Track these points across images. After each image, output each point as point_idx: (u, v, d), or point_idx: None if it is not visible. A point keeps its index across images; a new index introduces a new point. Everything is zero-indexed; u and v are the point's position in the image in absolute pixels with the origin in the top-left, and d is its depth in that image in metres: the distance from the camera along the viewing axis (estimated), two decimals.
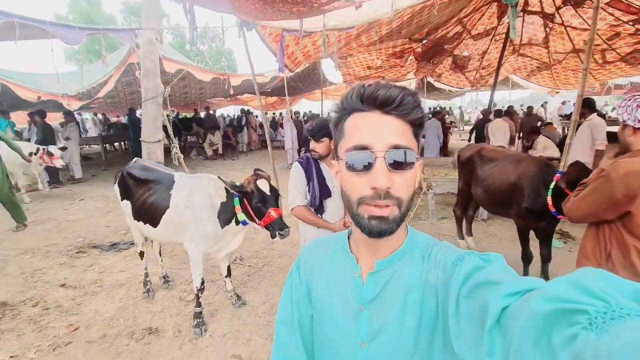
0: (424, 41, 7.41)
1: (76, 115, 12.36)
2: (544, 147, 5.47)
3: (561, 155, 3.79)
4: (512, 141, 6.65)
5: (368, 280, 0.67)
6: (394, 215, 0.59)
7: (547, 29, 7.76)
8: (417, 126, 0.62)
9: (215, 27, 4.56)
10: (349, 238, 0.75)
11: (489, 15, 7.41)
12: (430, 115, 9.86)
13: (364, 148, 0.59)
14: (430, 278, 0.61)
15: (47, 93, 6.39)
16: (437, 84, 12.33)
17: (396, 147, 0.58)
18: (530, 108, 10.09)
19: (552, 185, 2.48)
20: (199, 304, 2.61)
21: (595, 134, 4.42)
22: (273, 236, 2.27)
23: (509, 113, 8.16)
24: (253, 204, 2.24)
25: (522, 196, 2.78)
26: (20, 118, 10.91)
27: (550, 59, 9.00)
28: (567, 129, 9.90)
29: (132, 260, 3.79)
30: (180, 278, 3.40)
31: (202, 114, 13.55)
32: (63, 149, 6.22)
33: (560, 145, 5.29)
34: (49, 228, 4.93)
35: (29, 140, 7.76)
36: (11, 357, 2.35)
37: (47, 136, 7.19)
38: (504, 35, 7.48)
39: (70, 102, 6.73)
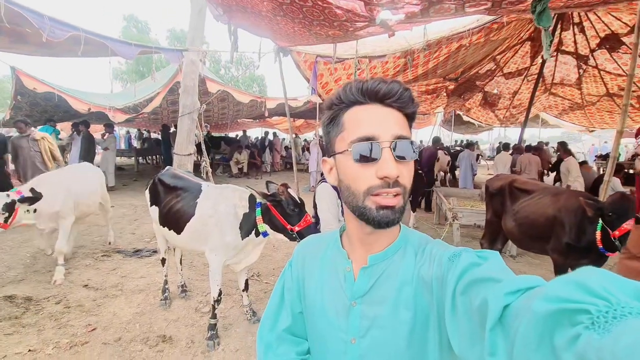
0: (458, 79, 7.52)
1: (124, 131, 13.18)
2: (567, 170, 5.61)
3: (598, 194, 3.62)
4: (540, 176, 6.65)
5: (360, 275, 0.66)
6: (400, 205, 0.59)
7: (581, 71, 7.66)
8: (411, 119, 0.64)
9: (253, 52, 4.81)
10: (341, 235, 0.75)
11: (522, 54, 7.43)
12: (459, 148, 9.80)
13: (370, 139, 0.59)
14: (424, 273, 0.60)
15: (96, 105, 6.92)
16: (465, 118, 12.30)
17: (400, 138, 0.59)
18: (562, 144, 9.75)
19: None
20: (214, 316, 2.59)
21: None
22: None
23: (538, 148, 8.10)
24: (289, 210, 2.26)
25: (563, 231, 2.64)
26: (66, 128, 11.79)
27: (583, 100, 8.79)
28: (602, 169, 9.45)
29: (153, 268, 3.85)
30: (197, 289, 3.41)
31: (232, 134, 14.02)
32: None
33: (595, 185, 5.15)
34: (79, 230, 5.12)
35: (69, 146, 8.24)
36: (30, 350, 2.39)
37: (89, 145, 7.69)
38: (536, 76, 7.46)
39: (115, 115, 7.20)
